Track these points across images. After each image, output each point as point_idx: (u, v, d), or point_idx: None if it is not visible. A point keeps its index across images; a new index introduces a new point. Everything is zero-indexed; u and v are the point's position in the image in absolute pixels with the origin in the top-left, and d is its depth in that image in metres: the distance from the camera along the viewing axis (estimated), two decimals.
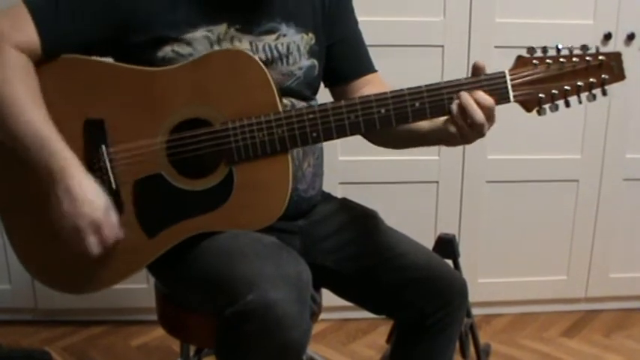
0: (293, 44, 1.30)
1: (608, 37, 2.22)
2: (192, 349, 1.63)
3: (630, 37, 2.22)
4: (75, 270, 1.26)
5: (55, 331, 2.36)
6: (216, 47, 1.23)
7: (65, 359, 2.18)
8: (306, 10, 1.33)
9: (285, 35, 1.29)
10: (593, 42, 2.18)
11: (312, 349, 2.00)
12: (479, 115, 1.13)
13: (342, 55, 1.40)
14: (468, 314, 2.06)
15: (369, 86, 1.39)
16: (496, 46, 2.21)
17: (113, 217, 1.16)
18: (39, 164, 1.13)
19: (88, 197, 1.12)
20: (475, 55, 2.22)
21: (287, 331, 1.07)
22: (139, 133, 1.19)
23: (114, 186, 1.20)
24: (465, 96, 1.14)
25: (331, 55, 1.39)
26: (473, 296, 2.06)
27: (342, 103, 1.18)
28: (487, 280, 2.46)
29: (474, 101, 1.14)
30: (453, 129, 1.17)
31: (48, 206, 1.16)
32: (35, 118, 1.13)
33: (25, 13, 1.18)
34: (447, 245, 1.98)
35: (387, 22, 2.17)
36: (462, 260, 2.00)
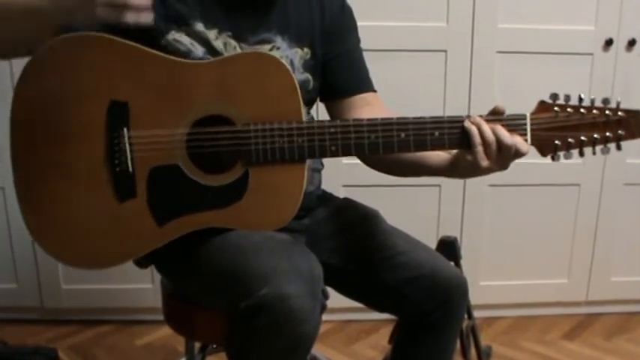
0: (286, 59, 1.31)
1: (609, 42, 2.24)
2: (196, 348, 1.65)
3: (631, 43, 2.24)
4: (79, 244, 1.26)
5: (60, 330, 2.38)
6: (213, 44, 1.25)
7: (71, 358, 2.21)
8: (303, 25, 1.35)
9: (278, 48, 1.31)
10: (595, 47, 2.24)
11: (314, 349, 2.02)
12: (510, 142, 1.14)
13: (340, 70, 1.41)
14: (470, 316, 2.07)
15: (368, 107, 1.39)
16: (498, 52, 2.24)
17: None
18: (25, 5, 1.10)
19: None
20: (478, 61, 2.24)
21: (299, 325, 1.09)
22: (162, 121, 1.20)
23: (130, 169, 1.22)
24: (500, 128, 1.16)
25: (329, 70, 1.40)
26: (474, 299, 2.09)
27: (365, 122, 1.20)
28: (489, 283, 2.48)
29: (508, 133, 1.15)
30: (471, 158, 1.17)
31: (68, 176, 1.19)
32: None
33: None
34: (448, 248, 2.00)
35: (390, 27, 2.19)
36: (463, 263, 2.02)
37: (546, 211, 2.43)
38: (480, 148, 1.16)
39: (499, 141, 1.15)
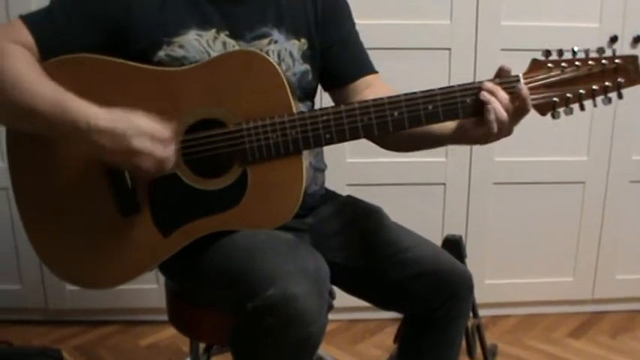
0: (284, 51, 1.31)
1: (614, 39, 2.22)
2: (201, 348, 1.64)
3: (636, 40, 2.23)
4: (88, 266, 1.28)
5: (65, 331, 2.38)
6: (210, 50, 1.24)
7: (76, 358, 2.20)
8: (298, 16, 1.35)
9: (276, 42, 1.30)
10: (600, 44, 2.21)
11: (320, 348, 2.02)
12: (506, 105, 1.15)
13: (340, 57, 1.40)
14: (475, 315, 2.07)
15: (370, 89, 1.39)
16: (502, 49, 2.23)
17: (153, 121, 1.14)
18: (65, 127, 1.12)
19: (124, 119, 1.11)
20: (482, 58, 2.23)
21: (306, 326, 1.09)
22: None
23: (130, 185, 1.22)
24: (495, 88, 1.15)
25: (328, 58, 1.40)
26: (480, 297, 2.08)
27: (356, 105, 1.19)
28: (494, 282, 2.47)
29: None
30: (481, 128, 1.17)
31: (68, 198, 1.19)
32: (48, 89, 1.13)
33: (19, 23, 1.20)
34: (454, 246, 2.00)
35: (394, 25, 2.19)
36: (468, 261, 2.01)
37: (551, 209, 2.42)
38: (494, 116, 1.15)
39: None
